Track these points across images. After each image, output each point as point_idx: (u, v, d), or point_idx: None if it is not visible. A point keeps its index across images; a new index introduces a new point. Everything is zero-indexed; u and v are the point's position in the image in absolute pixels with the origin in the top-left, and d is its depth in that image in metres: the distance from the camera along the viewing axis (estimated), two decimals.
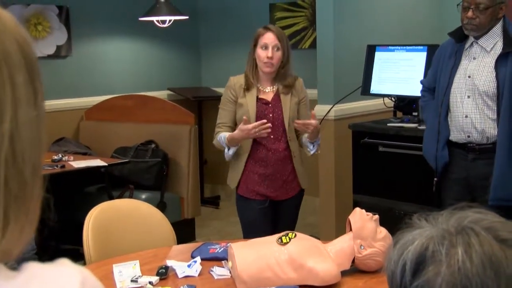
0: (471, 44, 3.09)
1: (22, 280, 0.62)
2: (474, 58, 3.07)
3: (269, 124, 2.93)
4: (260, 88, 3.10)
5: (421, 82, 3.45)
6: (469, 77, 3.06)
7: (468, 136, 3.08)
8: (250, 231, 3.10)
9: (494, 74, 2.98)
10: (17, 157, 0.62)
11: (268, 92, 3.10)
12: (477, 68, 3.05)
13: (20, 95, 0.63)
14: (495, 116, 3.00)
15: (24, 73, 0.64)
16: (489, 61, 3.02)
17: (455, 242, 0.77)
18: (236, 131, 2.96)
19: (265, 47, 3.01)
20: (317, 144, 3.11)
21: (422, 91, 3.39)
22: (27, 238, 0.65)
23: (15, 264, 0.64)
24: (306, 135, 3.06)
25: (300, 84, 3.15)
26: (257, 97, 3.07)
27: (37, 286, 0.62)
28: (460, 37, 3.11)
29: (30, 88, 0.64)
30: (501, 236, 0.77)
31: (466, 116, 3.07)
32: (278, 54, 3.03)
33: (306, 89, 3.19)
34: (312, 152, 3.12)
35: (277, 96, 3.10)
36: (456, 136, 3.13)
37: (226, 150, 3.07)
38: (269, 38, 3.02)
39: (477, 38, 3.05)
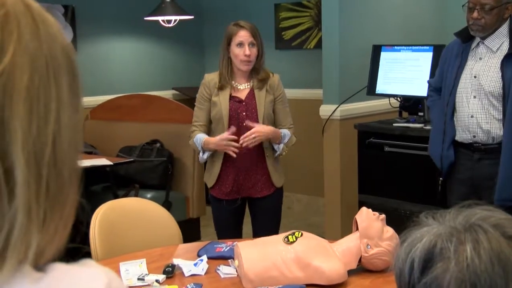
0: (477, 44, 3.09)
1: (49, 282, 0.62)
2: (480, 59, 3.07)
3: (237, 145, 2.94)
4: (234, 85, 3.07)
5: (428, 82, 3.45)
6: (475, 77, 3.06)
7: (474, 136, 3.08)
8: (222, 230, 3.14)
9: (500, 74, 2.97)
10: (58, 159, 0.63)
11: (243, 89, 3.07)
12: (483, 68, 3.04)
13: (64, 97, 0.64)
14: (500, 116, 2.99)
15: (68, 76, 0.65)
16: (495, 61, 3.01)
17: (463, 239, 0.78)
18: (214, 140, 2.97)
19: (241, 44, 3.00)
20: (283, 144, 3.06)
21: (429, 90, 3.39)
22: (59, 242, 0.65)
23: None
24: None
25: (275, 81, 3.10)
26: (230, 95, 3.04)
27: (63, 287, 0.63)
28: (466, 37, 3.10)
29: (72, 92, 0.66)
30: (509, 233, 0.78)
31: (472, 116, 3.07)
32: (254, 50, 3.01)
33: (282, 86, 3.14)
34: (276, 154, 3.08)
35: (251, 93, 3.06)
36: (461, 136, 3.13)
37: (201, 153, 3.07)
38: (243, 35, 3.00)
39: (483, 38, 3.05)
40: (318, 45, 4.93)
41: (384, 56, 4.06)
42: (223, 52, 3.09)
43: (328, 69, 4.24)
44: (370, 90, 4.11)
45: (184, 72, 6.11)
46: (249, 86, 3.07)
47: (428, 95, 3.41)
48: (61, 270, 0.64)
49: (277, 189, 3.14)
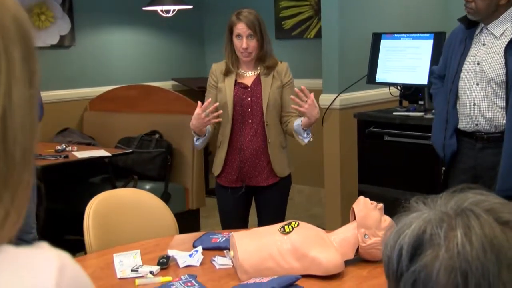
0: (481, 30, 3.02)
1: None
2: (484, 45, 3.00)
3: (220, 111, 2.88)
4: (240, 72, 3.06)
5: (432, 69, 3.39)
6: (478, 64, 3.00)
7: (476, 125, 3.03)
8: (227, 220, 3.12)
9: (503, 61, 2.91)
10: (8, 138, 0.59)
11: (249, 76, 3.06)
12: (486, 55, 2.98)
13: (16, 72, 0.60)
14: (503, 104, 2.93)
15: (21, 50, 0.61)
16: (499, 48, 2.94)
17: (454, 225, 0.74)
18: (193, 118, 2.90)
19: (239, 36, 2.99)
20: (309, 131, 2.96)
21: (433, 78, 3.32)
22: (13, 227, 0.61)
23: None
24: (299, 121, 2.92)
25: (283, 68, 3.06)
26: (235, 81, 3.03)
27: (10, 270, 0.58)
28: (470, 23, 3.04)
29: (26, 66, 0.61)
30: (502, 218, 0.74)
31: (474, 104, 3.01)
32: (253, 42, 2.99)
33: (291, 73, 3.09)
34: (306, 141, 2.97)
35: (257, 80, 3.04)
36: (464, 124, 3.08)
37: (194, 139, 3.03)
38: (241, 28, 2.98)
39: (486, 24, 2.99)
40: (318, 34, 4.88)
41: (384, 44, 4.01)
42: (226, 40, 3.09)
43: (327, 59, 4.19)
44: (370, 79, 4.06)
45: (183, 62, 6.07)
46: (255, 73, 3.05)
47: (431, 82, 3.35)
48: (9, 253, 0.60)
49: (282, 178, 3.08)
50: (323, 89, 4.25)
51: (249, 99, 3.01)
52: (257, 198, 3.14)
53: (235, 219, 3.08)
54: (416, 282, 0.73)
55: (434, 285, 0.72)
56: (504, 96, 2.93)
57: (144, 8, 5.17)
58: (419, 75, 3.77)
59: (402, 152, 3.75)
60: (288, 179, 3.15)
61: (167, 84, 5.76)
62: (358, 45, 4.17)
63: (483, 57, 2.99)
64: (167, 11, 5.18)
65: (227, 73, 3.04)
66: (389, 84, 4.04)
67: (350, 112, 4.06)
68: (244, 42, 2.97)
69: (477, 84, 3.00)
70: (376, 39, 4.05)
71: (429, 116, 3.67)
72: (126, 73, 5.60)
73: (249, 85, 3.03)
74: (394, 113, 3.85)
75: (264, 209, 3.12)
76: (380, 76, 4.02)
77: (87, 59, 5.34)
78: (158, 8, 5.12)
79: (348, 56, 4.16)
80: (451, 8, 4.61)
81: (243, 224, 3.11)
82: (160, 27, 5.77)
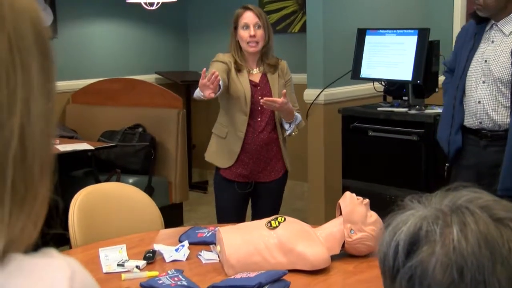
0: (491, 26, 2.97)
1: (7, 275, 0.57)
2: (492, 42, 2.96)
3: (217, 73, 2.69)
4: (248, 70, 3.09)
5: (444, 63, 3.36)
6: (485, 61, 2.95)
7: (480, 122, 2.99)
8: (225, 214, 3.11)
9: (510, 60, 2.85)
10: (27, 154, 0.56)
11: (256, 73, 3.08)
12: (493, 53, 2.93)
13: (33, 86, 0.56)
14: (508, 104, 2.89)
15: (38, 60, 0.57)
16: (507, 46, 2.89)
17: (449, 221, 0.75)
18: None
19: (246, 26, 2.99)
20: (294, 125, 3.07)
21: (444, 72, 3.29)
22: (28, 240, 0.60)
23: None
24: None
25: (284, 66, 3.13)
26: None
27: (22, 280, 0.57)
28: (480, 19, 2.99)
29: (44, 77, 0.58)
30: (496, 215, 0.75)
31: (479, 102, 2.97)
32: (260, 32, 3.00)
33: (290, 72, 3.17)
34: (287, 133, 3.09)
35: (264, 77, 3.07)
36: (469, 121, 3.04)
37: (200, 95, 2.82)
38: (248, 17, 2.99)
39: (497, 20, 2.94)
40: (303, 29, 4.88)
41: (369, 40, 4.02)
42: (231, 36, 3.08)
43: (312, 53, 4.20)
44: (355, 74, 4.08)
45: (167, 56, 6.04)
46: (260, 71, 3.08)
47: (444, 77, 3.29)
48: (20, 262, 0.58)
49: (285, 173, 3.16)
50: (308, 84, 4.25)
51: (259, 97, 3.01)
52: (256, 192, 3.15)
53: (232, 214, 3.07)
54: (412, 278, 0.74)
55: (430, 281, 0.73)
56: (509, 95, 2.88)
57: (127, 1, 5.12)
58: (403, 71, 3.80)
59: (386, 148, 3.78)
60: (286, 175, 3.21)
61: (150, 78, 5.73)
62: (343, 40, 4.18)
63: (490, 54, 2.94)
64: (151, 4, 5.14)
65: (239, 69, 3.02)
66: (373, 80, 4.06)
67: (335, 107, 4.08)
68: (251, 29, 2.97)
69: (484, 81, 2.96)
70: (361, 34, 4.06)
71: (413, 111, 3.69)
72: (109, 66, 5.56)
73: (258, 82, 3.06)
74: (379, 109, 3.87)
75: (262, 202, 3.15)
76: (364, 72, 4.04)
77: (69, 51, 5.29)
78: (141, 1, 5.08)
79: (332, 51, 4.17)
80: (435, 5, 4.65)
81: (240, 218, 3.09)
82: (143, 20, 5.73)
